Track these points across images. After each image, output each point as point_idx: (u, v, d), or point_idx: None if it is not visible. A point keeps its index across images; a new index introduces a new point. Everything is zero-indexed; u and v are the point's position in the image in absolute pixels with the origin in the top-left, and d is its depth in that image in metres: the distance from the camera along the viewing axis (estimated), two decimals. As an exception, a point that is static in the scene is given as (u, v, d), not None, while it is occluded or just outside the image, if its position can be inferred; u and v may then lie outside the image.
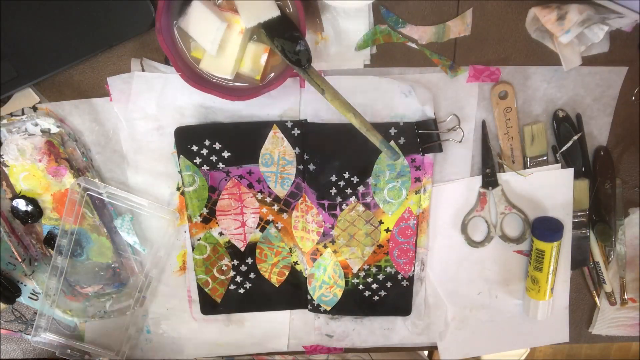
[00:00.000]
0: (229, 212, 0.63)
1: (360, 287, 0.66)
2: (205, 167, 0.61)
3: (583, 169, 0.64)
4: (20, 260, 0.62)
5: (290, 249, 0.66)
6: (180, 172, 0.61)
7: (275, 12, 0.50)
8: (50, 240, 0.62)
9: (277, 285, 0.67)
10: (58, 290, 0.62)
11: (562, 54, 0.58)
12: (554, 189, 0.65)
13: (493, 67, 0.60)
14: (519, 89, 0.61)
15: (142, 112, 0.59)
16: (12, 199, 0.60)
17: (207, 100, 0.59)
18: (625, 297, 0.71)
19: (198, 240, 0.64)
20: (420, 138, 0.60)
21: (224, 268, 0.65)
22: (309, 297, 0.67)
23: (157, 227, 0.64)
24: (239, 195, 0.62)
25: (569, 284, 0.69)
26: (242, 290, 0.66)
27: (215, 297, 0.66)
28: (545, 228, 0.65)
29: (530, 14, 0.58)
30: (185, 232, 0.64)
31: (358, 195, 0.63)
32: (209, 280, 0.65)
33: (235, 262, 0.65)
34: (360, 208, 0.63)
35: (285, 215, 0.64)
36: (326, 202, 0.63)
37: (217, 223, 0.63)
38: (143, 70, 0.58)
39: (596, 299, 0.72)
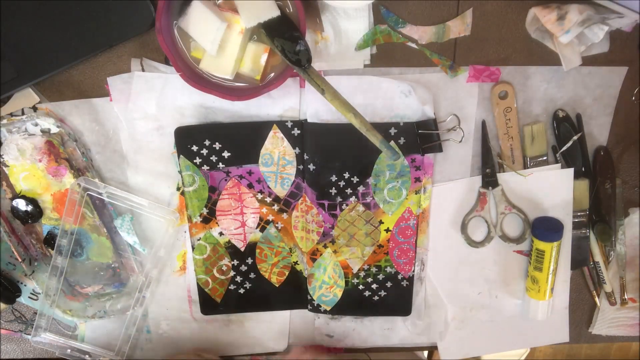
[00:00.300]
0: (229, 212, 0.63)
1: (360, 287, 0.66)
2: (205, 167, 0.61)
3: (583, 169, 0.64)
4: (20, 260, 0.62)
5: (290, 249, 0.66)
6: (180, 172, 0.61)
7: (275, 12, 0.50)
8: (50, 240, 0.62)
9: (277, 285, 0.67)
10: (58, 290, 0.62)
11: (562, 54, 0.58)
12: (554, 189, 0.65)
13: (493, 67, 0.60)
14: (519, 89, 0.61)
15: (142, 112, 0.59)
16: (12, 199, 0.60)
17: (207, 100, 0.59)
18: (625, 297, 0.71)
19: (198, 240, 0.64)
20: (420, 138, 0.60)
21: (224, 268, 0.65)
22: (309, 297, 0.67)
23: (157, 227, 0.64)
24: (239, 195, 0.62)
25: (569, 284, 0.69)
26: (242, 290, 0.66)
27: (215, 297, 0.66)
28: (545, 228, 0.65)
29: (530, 14, 0.58)
30: (185, 232, 0.64)
31: (358, 195, 0.63)
32: (209, 280, 0.65)
33: (235, 262, 0.65)
34: (360, 208, 0.63)
35: (285, 215, 0.64)
36: (326, 202, 0.63)
37: (217, 223, 0.63)
38: (143, 70, 0.58)
39: (596, 299, 0.72)
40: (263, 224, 0.64)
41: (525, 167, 0.64)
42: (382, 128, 0.59)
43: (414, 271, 0.66)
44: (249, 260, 0.65)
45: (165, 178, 0.62)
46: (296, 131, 0.60)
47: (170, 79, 0.58)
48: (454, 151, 0.63)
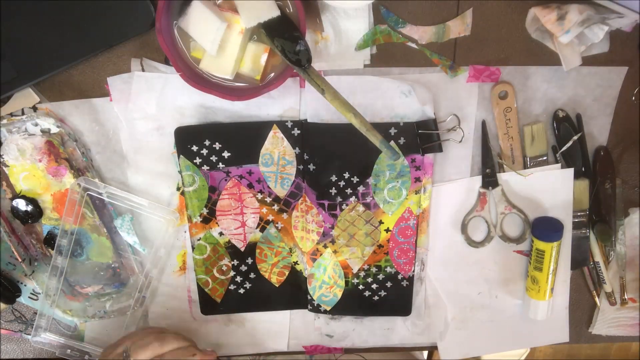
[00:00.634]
0: (229, 212, 0.63)
1: (360, 287, 0.66)
2: (205, 167, 0.61)
3: (583, 169, 0.64)
4: (20, 260, 0.62)
5: (290, 249, 0.66)
6: (180, 172, 0.61)
7: (275, 12, 0.50)
8: (50, 240, 0.62)
9: (277, 285, 0.67)
10: (58, 290, 0.62)
11: (562, 54, 0.58)
12: (554, 189, 0.65)
13: (493, 67, 0.60)
14: (519, 89, 0.61)
15: (142, 112, 0.59)
16: (12, 199, 0.60)
17: (207, 100, 0.59)
18: (625, 297, 0.71)
19: (198, 240, 0.64)
20: (420, 138, 0.60)
21: (224, 268, 0.65)
22: (309, 297, 0.67)
23: (157, 227, 0.64)
24: (239, 195, 0.62)
25: (569, 284, 0.69)
26: (242, 290, 0.66)
27: (215, 297, 0.66)
28: (545, 228, 0.65)
29: (530, 14, 0.58)
30: (185, 232, 0.64)
31: (358, 195, 0.63)
32: (209, 280, 0.65)
33: (235, 262, 0.65)
34: (360, 208, 0.63)
35: (285, 215, 0.64)
36: (326, 202, 0.63)
37: (217, 223, 0.63)
38: (143, 70, 0.58)
39: (596, 299, 0.72)
40: (263, 224, 0.64)
41: (525, 167, 0.64)
42: (382, 128, 0.59)
43: (414, 271, 0.66)
44: (249, 260, 0.65)
45: (165, 178, 0.62)
46: (296, 131, 0.60)
47: (170, 79, 0.58)
48: (454, 151, 0.63)
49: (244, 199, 0.63)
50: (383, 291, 0.67)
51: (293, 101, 0.60)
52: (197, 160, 0.60)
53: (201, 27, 0.51)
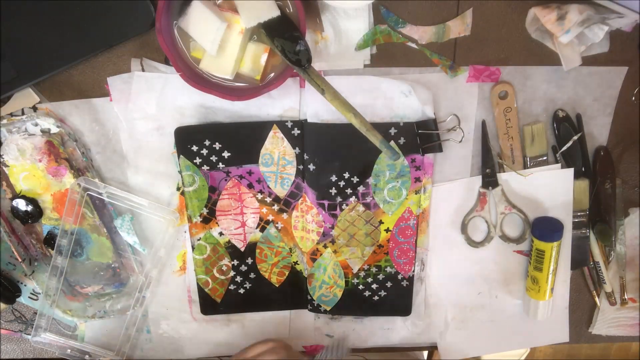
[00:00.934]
0: (229, 212, 0.63)
1: (360, 287, 0.66)
2: (205, 167, 0.61)
3: (583, 169, 0.64)
4: (20, 260, 0.62)
5: (290, 249, 0.66)
6: (180, 172, 0.61)
7: (275, 12, 0.50)
8: (50, 240, 0.62)
9: (277, 285, 0.67)
10: (58, 290, 0.62)
11: (562, 54, 0.58)
12: (554, 189, 0.65)
13: (493, 67, 0.60)
14: (519, 89, 0.61)
15: (142, 112, 0.59)
16: (12, 199, 0.60)
17: (207, 100, 0.59)
18: (625, 297, 0.71)
19: (198, 240, 0.64)
20: (420, 138, 0.60)
21: (224, 268, 0.65)
22: (309, 297, 0.67)
23: (157, 227, 0.64)
24: (239, 195, 0.62)
25: (569, 284, 0.69)
26: (242, 291, 0.66)
27: (215, 297, 0.66)
28: (545, 228, 0.65)
29: (530, 14, 0.58)
30: (185, 232, 0.64)
31: (358, 195, 0.63)
32: (209, 280, 0.65)
33: (235, 262, 0.65)
34: (360, 208, 0.63)
35: (285, 215, 0.64)
36: (326, 202, 0.63)
37: (217, 223, 0.63)
38: (143, 70, 0.58)
39: (596, 299, 0.72)
40: (263, 224, 0.64)
41: (525, 167, 0.64)
42: (382, 128, 0.59)
43: (414, 271, 0.66)
44: (249, 260, 0.65)
45: (165, 178, 0.62)
46: (296, 131, 0.60)
47: (170, 79, 0.58)
48: (454, 151, 0.63)
49: (244, 199, 0.63)
50: (383, 291, 0.67)
51: (293, 101, 0.60)
52: (197, 160, 0.60)
53: (201, 27, 0.51)
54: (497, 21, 0.58)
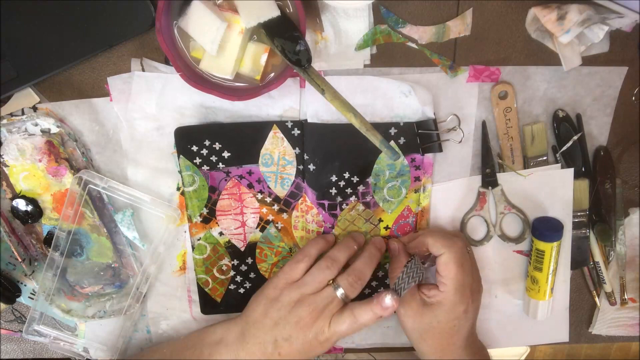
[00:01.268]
0: (229, 212, 0.63)
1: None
2: (205, 167, 0.61)
3: (583, 169, 0.65)
4: (20, 260, 0.62)
5: (290, 248, 0.66)
6: (180, 172, 0.61)
7: (275, 12, 0.50)
8: (50, 240, 0.62)
9: (277, 285, 0.67)
10: (54, 284, 0.62)
11: (562, 54, 0.58)
12: (553, 189, 0.65)
13: (493, 67, 0.60)
14: (519, 89, 0.61)
15: (142, 112, 0.59)
16: (12, 199, 0.60)
17: (207, 100, 0.59)
18: (625, 297, 0.71)
19: (198, 240, 0.64)
20: (420, 138, 0.60)
21: (224, 268, 0.65)
22: (309, 297, 0.67)
23: (158, 223, 0.64)
24: (239, 195, 0.62)
25: (570, 284, 0.69)
26: (242, 290, 0.66)
27: (216, 296, 0.66)
28: (545, 228, 0.65)
29: (530, 14, 0.58)
30: (185, 232, 0.64)
31: (358, 194, 0.63)
32: (209, 280, 0.65)
33: (235, 262, 0.65)
34: (360, 207, 0.63)
35: (285, 215, 0.64)
36: (326, 202, 0.63)
37: (217, 223, 0.63)
38: (143, 70, 0.58)
39: (596, 299, 0.72)
40: (263, 224, 0.64)
41: (525, 167, 0.64)
42: (382, 128, 0.59)
43: (414, 271, 0.66)
44: (249, 260, 0.65)
45: (165, 178, 0.62)
46: (296, 131, 0.60)
47: (170, 79, 0.58)
48: (453, 151, 0.63)
49: (244, 199, 0.63)
50: (382, 288, 0.67)
51: (293, 101, 0.60)
52: (197, 160, 0.60)
53: (201, 27, 0.51)
54: (497, 21, 0.58)
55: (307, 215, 0.63)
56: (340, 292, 0.58)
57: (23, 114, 0.58)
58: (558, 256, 0.65)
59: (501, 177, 0.64)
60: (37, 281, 0.64)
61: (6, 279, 0.63)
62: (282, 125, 0.60)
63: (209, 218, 0.63)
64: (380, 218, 0.64)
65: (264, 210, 0.63)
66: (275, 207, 0.63)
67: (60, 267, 0.62)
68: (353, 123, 0.50)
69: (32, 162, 0.58)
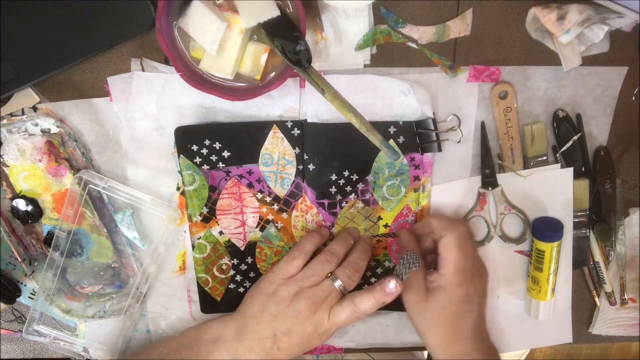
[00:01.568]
0: (229, 212, 0.63)
1: (360, 281, 0.66)
2: (205, 167, 0.61)
3: (583, 169, 0.65)
4: (20, 260, 0.62)
5: (290, 248, 0.66)
6: (180, 171, 0.61)
7: (275, 12, 0.50)
8: (50, 240, 0.62)
9: (277, 285, 0.67)
10: (54, 284, 0.62)
11: (562, 54, 0.58)
12: (553, 189, 0.65)
13: (493, 67, 0.60)
14: (519, 89, 0.61)
15: (142, 112, 0.59)
16: (12, 199, 0.60)
17: (207, 100, 0.59)
18: (625, 297, 0.71)
19: (198, 239, 0.64)
20: (419, 137, 0.60)
21: (224, 267, 0.65)
22: (309, 297, 0.67)
23: (158, 223, 0.64)
24: (239, 194, 0.63)
25: (571, 284, 0.69)
26: (242, 289, 0.66)
27: (215, 295, 0.66)
28: (545, 228, 0.65)
29: (530, 14, 0.58)
30: (185, 232, 0.64)
31: (357, 192, 0.63)
32: (209, 279, 0.65)
33: (235, 261, 0.65)
34: (360, 204, 0.63)
35: (285, 215, 0.64)
36: (326, 202, 0.63)
37: (217, 222, 0.63)
38: (143, 70, 0.58)
39: (596, 299, 0.72)
40: (263, 224, 0.64)
41: (525, 167, 0.64)
42: (381, 127, 0.59)
43: (413, 271, 0.66)
44: (249, 260, 0.65)
45: (165, 177, 0.62)
46: (296, 131, 0.60)
47: (170, 79, 0.58)
48: (453, 151, 0.63)
49: (244, 199, 0.63)
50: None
51: (293, 101, 0.60)
52: (197, 160, 0.60)
53: (201, 27, 0.51)
54: (497, 21, 0.58)
55: (307, 214, 0.63)
56: (338, 283, 0.58)
57: (23, 114, 0.58)
58: (558, 256, 0.65)
59: (501, 177, 0.64)
60: (37, 281, 0.64)
61: (6, 279, 0.63)
62: (282, 125, 0.60)
63: (209, 217, 0.63)
64: (379, 216, 0.64)
65: (264, 209, 0.63)
66: (275, 206, 0.63)
67: (60, 267, 0.62)
68: (353, 123, 0.50)
69: (32, 162, 0.58)
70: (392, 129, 0.60)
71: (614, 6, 0.55)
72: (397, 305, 0.68)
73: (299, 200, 0.63)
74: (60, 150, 0.58)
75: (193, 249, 0.64)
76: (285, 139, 0.61)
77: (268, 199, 0.63)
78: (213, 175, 0.61)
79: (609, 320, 0.73)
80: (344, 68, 0.59)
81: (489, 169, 0.63)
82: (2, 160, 0.58)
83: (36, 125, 0.58)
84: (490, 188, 0.64)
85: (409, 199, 0.63)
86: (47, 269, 0.61)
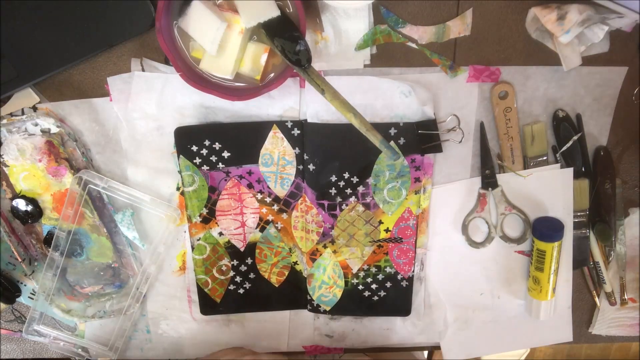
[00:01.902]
0: (229, 212, 0.63)
1: (360, 287, 0.66)
2: (205, 167, 0.61)
3: (583, 169, 0.64)
4: (20, 260, 0.62)
5: (290, 249, 0.66)
6: (180, 172, 0.61)
7: (275, 12, 0.50)
8: (50, 240, 0.62)
9: (276, 286, 0.67)
10: (54, 284, 0.62)
11: (562, 54, 0.58)
12: (554, 189, 0.65)
13: (493, 67, 0.60)
14: (519, 89, 0.61)
15: (142, 112, 0.59)
16: (12, 199, 0.60)
17: (207, 100, 0.59)
18: (625, 297, 0.71)
19: (198, 240, 0.64)
20: (420, 138, 0.60)
21: (224, 268, 0.65)
22: (308, 297, 0.67)
23: (158, 223, 0.64)
24: (239, 195, 0.62)
25: (572, 283, 0.69)
26: (241, 291, 0.66)
27: (215, 297, 0.66)
28: (545, 228, 0.65)
29: (530, 14, 0.58)
30: (185, 232, 0.64)
31: (358, 195, 0.63)
32: (209, 280, 0.65)
33: (235, 262, 0.65)
34: (360, 208, 0.63)
35: (285, 216, 0.64)
36: (326, 202, 0.63)
37: (216, 223, 0.63)
38: (143, 70, 0.58)
39: (596, 299, 0.72)
40: (263, 224, 0.64)
41: (525, 167, 0.64)
42: (382, 128, 0.59)
43: (413, 271, 0.66)
44: (249, 261, 0.65)
45: (165, 178, 0.62)
46: (296, 131, 0.60)
47: (170, 79, 0.58)
48: (454, 151, 0.63)
49: (244, 199, 0.63)
50: (382, 291, 0.67)
51: (293, 101, 0.60)
52: (197, 160, 0.60)
53: (201, 27, 0.51)
54: (497, 21, 0.58)
55: (307, 215, 0.63)
56: None
57: (23, 114, 0.58)
58: (559, 256, 0.65)
59: (501, 178, 0.64)
60: (37, 281, 0.64)
61: (6, 279, 0.63)
62: (282, 125, 0.60)
63: (209, 218, 0.63)
64: (380, 220, 0.64)
65: (264, 210, 0.63)
66: (275, 207, 0.63)
67: (60, 267, 0.62)
68: (353, 123, 0.50)
69: (32, 162, 0.58)
70: (392, 131, 0.60)
71: (614, 6, 0.55)
72: (398, 310, 0.68)
73: (299, 201, 0.63)
74: (60, 150, 0.58)
75: (192, 251, 0.64)
76: (285, 139, 0.60)
77: (268, 200, 0.63)
78: (213, 176, 0.61)
79: (609, 320, 0.73)
80: (344, 68, 0.59)
81: (488, 169, 0.63)
82: (2, 160, 0.58)
83: (36, 125, 0.58)
84: (490, 189, 0.64)
85: (410, 201, 0.63)
86: (47, 269, 0.61)
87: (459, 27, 0.58)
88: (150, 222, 0.64)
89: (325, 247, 0.64)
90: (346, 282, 0.66)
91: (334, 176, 0.61)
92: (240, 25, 0.51)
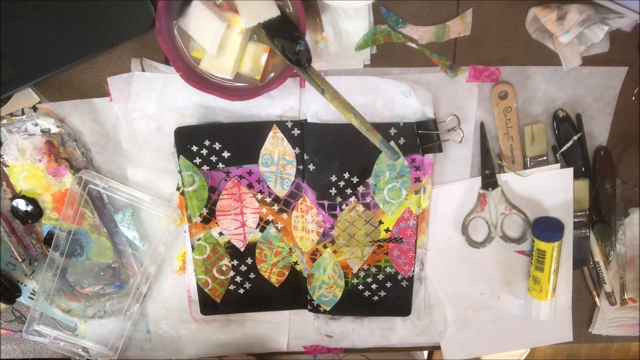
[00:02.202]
0: (229, 212, 0.63)
1: (360, 287, 0.66)
2: (205, 167, 0.61)
3: (583, 169, 0.64)
4: (20, 260, 0.62)
5: (290, 249, 0.66)
6: (180, 172, 0.61)
7: (275, 12, 0.50)
8: (50, 240, 0.62)
9: (276, 286, 0.67)
10: (54, 284, 0.62)
11: (562, 54, 0.58)
12: (554, 189, 0.65)
13: (493, 67, 0.60)
14: (519, 89, 0.61)
15: (142, 112, 0.59)
16: (12, 199, 0.60)
17: (207, 100, 0.59)
18: (625, 297, 0.71)
19: (198, 240, 0.64)
20: (420, 138, 0.60)
21: (224, 268, 0.65)
22: (308, 297, 0.67)
23: (158, 224, 0.64)
24: (239, 195, 0.62)
25: (572, 283, 0.69)
26: (241, 291, 0.66)
27: (215, 297, 0.66)
28: (545, 228, 0.65)
29: (530, 14, 0.58)
30: (185, 232, 0.64)
31: (358, 195, 0.63)
32: (209, 280, 0.65)
33: (235, 262, 0.65)
34: (360, 208, 0.63)
35: (285, 216, 0.64)
36: (326, 202, 0.63)
37: (217, 223, 0.63)
38: (143, 70, 0.58)
39: (596, 299, 0.72)
40: (263, 224, 0.64)
41: (525, 167, 0.64)
42: (382, 128, 0.59)
43: (413, 271, 0.66)
44: (249, 261, 0.65)
45: (165, 178, 0.62)
46: (296, 131, 0.60)
47: (170, 79, 0.58)
48: (454, 151, 0.63)
49: (244, 199, 0.63)
50: (383, 291, 0.67)
51: (293, 101, 0.60)
52: (197, 160, 0.60)
53: (201, 27, 0.51)
54: (497, 21, 0.58)
55: (307, 215, 0.63)
56: None
57: (23, 114, 0.58)
58: (559, 256, 0.65)
59: (501, 177, 0.64)
60: (37, 281, 0.64)
61: (6, 279, 0.63)
62: (282, 125, 0.60)
63: (209, 218, 0.63)
64: (380, 220, 0.64)
65: (264, 210, 0.63)
66: (275, 207, 0.63)
67: (60, 267, 0.62)
68: (353, 123, 0.50)
69: (32, 162, 0.58)
70: (392, 131, 0.60)
71: (614, 6, 0.55)
72: (398, 310, 0.68)
73: (299, 201, 0.63)
74: (60, 150, 0.58)
75: (193, 251, 0.64)
76: (285, 139, 0.60)
77: (268, 200, 0.63)
78: (213, 176, 0.61)
79: (609, 320, 0.73)
80: (344, 68, 0.59)
81: (488, 169, 0.63)
82: (2, 160, 0.58)
83: (36, 125, 0.58)
84: (490, 189, 0.64)
85: (410, 201, 0.63)
86: (47, 269, 0.61)
87: (459, 27, 0.58)
88: (150, 222, 0.64)
89: (325, 247, 0.64)
90: (346, 282, 0.66)
91: (334, 176, 0.61)
92: (240, 25, 0.51)
